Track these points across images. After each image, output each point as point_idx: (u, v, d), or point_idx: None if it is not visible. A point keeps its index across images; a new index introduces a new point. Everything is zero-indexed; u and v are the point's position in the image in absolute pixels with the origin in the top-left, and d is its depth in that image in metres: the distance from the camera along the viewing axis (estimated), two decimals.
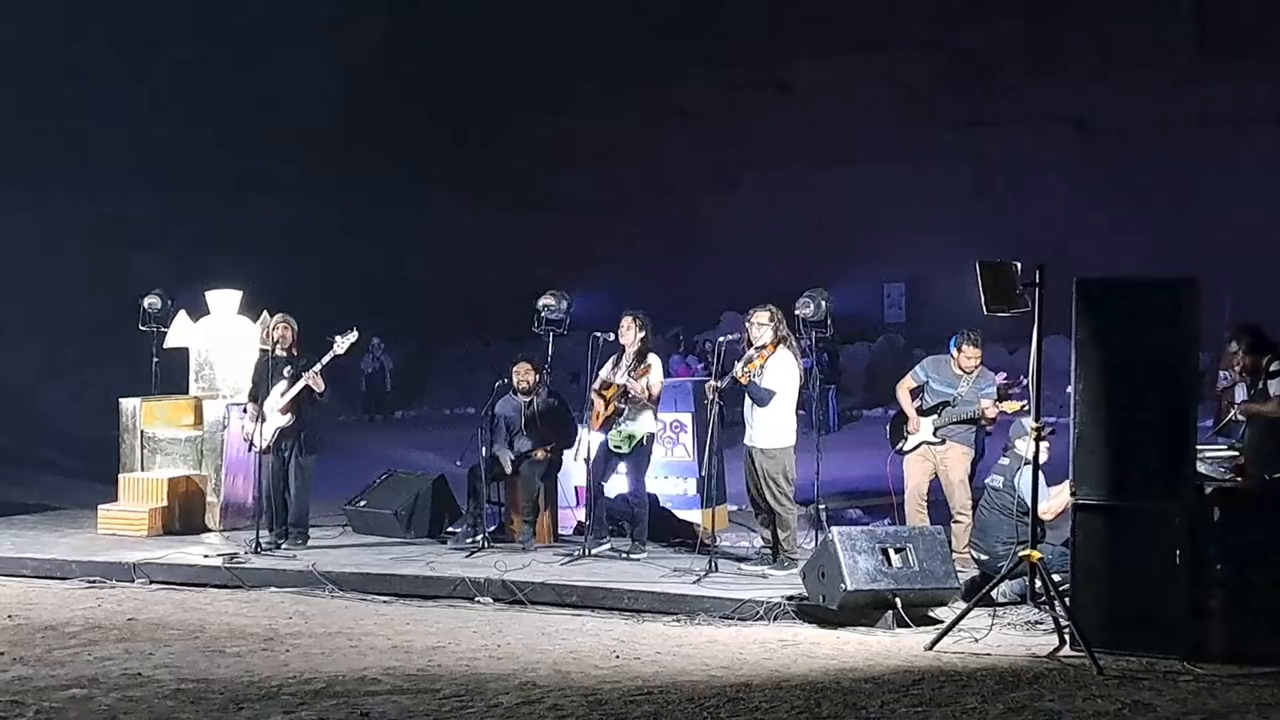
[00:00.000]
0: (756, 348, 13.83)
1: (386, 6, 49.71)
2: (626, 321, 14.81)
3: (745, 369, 13.72)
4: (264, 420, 15.43)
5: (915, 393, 14.64)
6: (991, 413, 14.24)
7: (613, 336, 14.87)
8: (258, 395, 15.62)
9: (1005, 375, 16.00)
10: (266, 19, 47.25)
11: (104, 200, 41.50)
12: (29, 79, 42.38)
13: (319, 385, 15.25)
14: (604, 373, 14.90)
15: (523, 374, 15.72)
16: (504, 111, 49.81)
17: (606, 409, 14.73)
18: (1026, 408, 13.76)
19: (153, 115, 44.58)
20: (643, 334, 14.83)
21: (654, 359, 14.86)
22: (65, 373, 35.24)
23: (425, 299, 43.69)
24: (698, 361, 33.76)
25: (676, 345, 37.09)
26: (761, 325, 13.84)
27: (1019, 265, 11.09)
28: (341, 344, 15.25)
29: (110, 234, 40.67)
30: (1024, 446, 11.94)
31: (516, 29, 50.14)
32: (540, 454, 15.56)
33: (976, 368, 14.53)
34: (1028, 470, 11.75)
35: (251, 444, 15.66)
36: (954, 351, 14.55)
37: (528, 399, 15.69)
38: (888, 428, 15.02)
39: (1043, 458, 11.68)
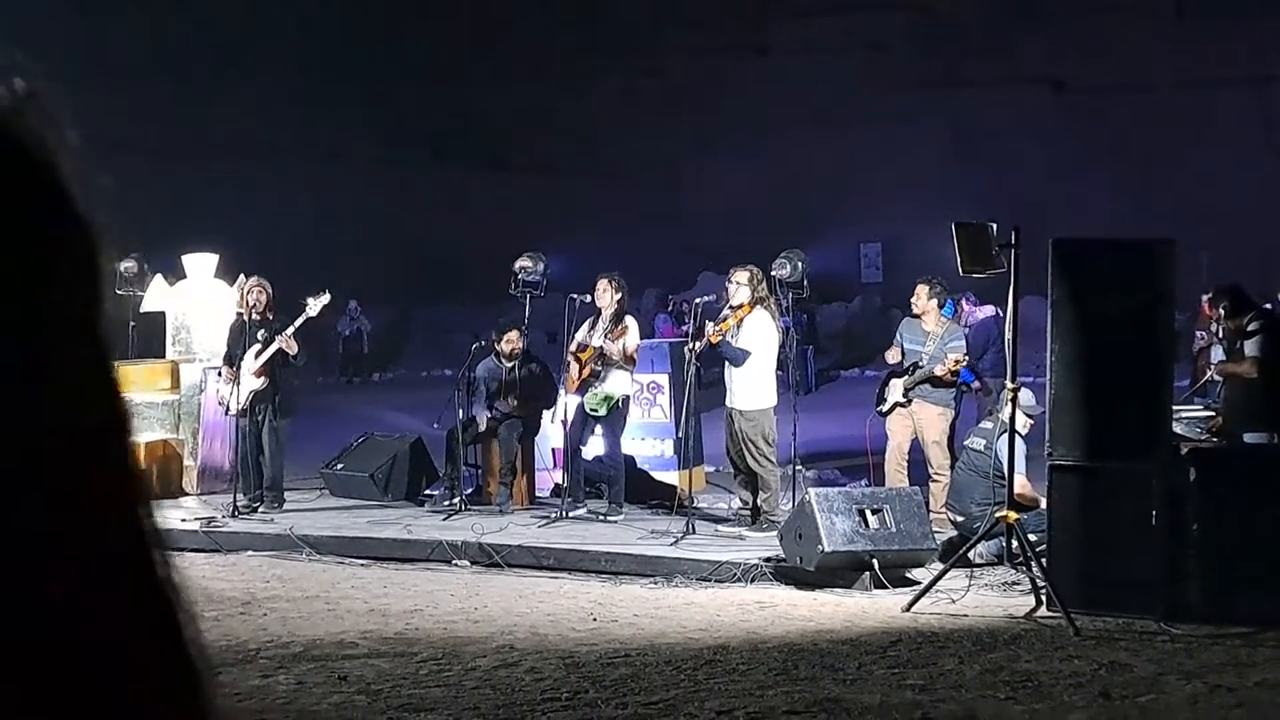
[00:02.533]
0: (731, 307, 13.83)
1: None
2: (603, 284, 14.79)
3: (717, 328, 13.71)
4: (239, 383, 15.39)
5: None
6: (940, 370, 14.11)
7: (589, 298, 14.85)
8: (232, 358, 15.58)
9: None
10: None
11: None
12: None
13: (292, 348, 15.21)
14: (580, 335, 14.87)
15: (513, 341, 15.60)
16: (480, 73, 49.62)
17: (583, 371, 14.72)
18: (961, 359, 13.84)
19: (116, 75, 44.31)
20: (619, 296, 14.81)
21: (630, 321, 14.85)
22: None
23: (402, 261, 43.58)
24: (674, 322, 33.69)
25: (664, 305, 37.03)
26: (739, 285, 13.82)
27: (995, 227, 11.10)
28: (314, 306, 15.23)
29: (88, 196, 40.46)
30: (1022, 420, 11.89)
31: None
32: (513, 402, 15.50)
33: (925, 312, 14.46)
34: (1019, 442, 11.73)
35: (227, 407, 15.63)
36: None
37: (510, 364, 15.64)
38: (877, 390, 15.01)
39: (1021, 420, 11.72)
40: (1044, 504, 11.32)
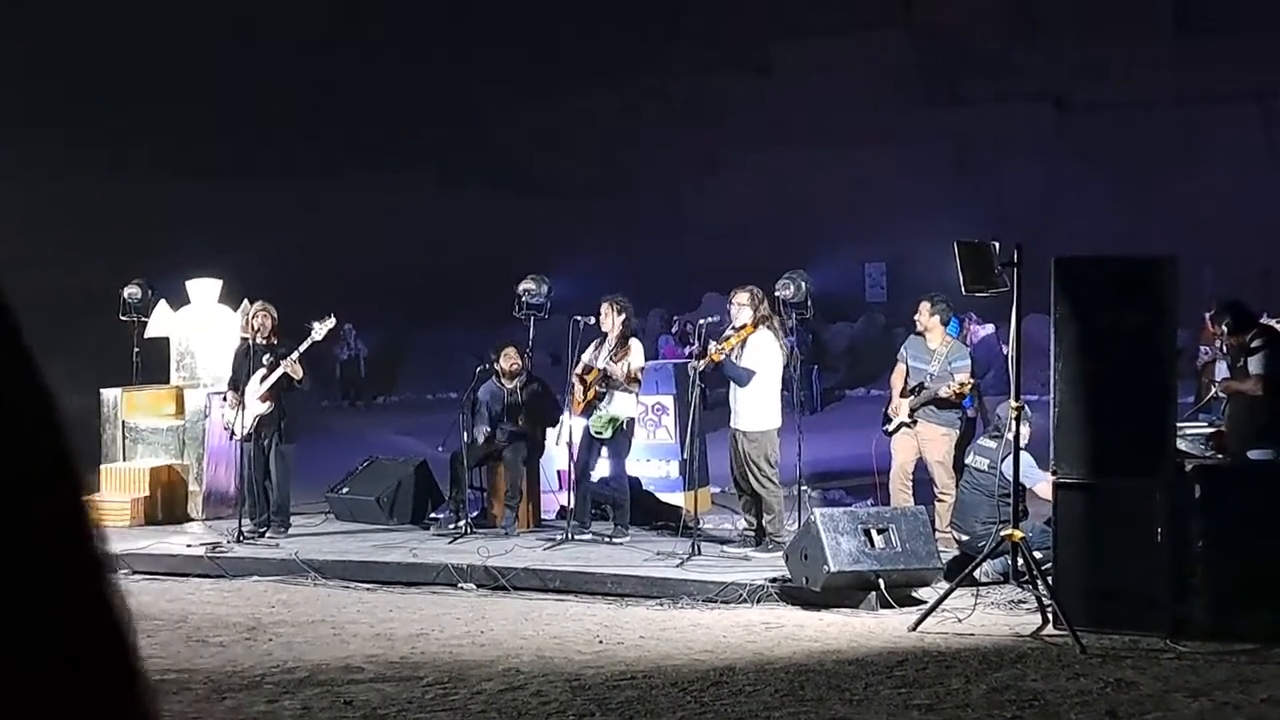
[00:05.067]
0: (734, 328, 13.87)
1: None
2: (605, 307, 14.78)
3: (719, 348, 13.75)
4: (244, 408, 15.39)
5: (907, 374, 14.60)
6: (944, 392, 14.09)
7: (593, 320, 14.85)
8: (237, 383, 15.58)
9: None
10: None
11: (83, 184, 41.36)
12: None
13: (297, 372, 15.19)
14: (585, 357, 14.88)
15: (511, 357, 15.60)
16: (483, 92, 49.72)
17: (588, 393, 14.71)
18: (967, 380, 13.83)
19: (117, 97, 44.44)
20: (623, 318, 14.80)
21: (635, 343, 14.86)
22: (44, 363, 35.12)
23: (405, 282, 43.57)
24: (676, 343, 33.67)
25: (668, 326, 37.00)
26: (741, 306, 13.88)
27: (997, 245, 11.12)
28: (320, 330, 15.23)
29: (90, 221, 40.55)
30: (1025, 431, 11.84)
31: (496, 9, 50.06)
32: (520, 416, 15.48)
33: (929, 329, 14.43)
34: (1023, 454, 11.68)
35: (232, 432, 15.63)
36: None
37: (511, 384, 15.63)
38: (884, 409, 14.98)
39: (1024, 439, 11.72)
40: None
